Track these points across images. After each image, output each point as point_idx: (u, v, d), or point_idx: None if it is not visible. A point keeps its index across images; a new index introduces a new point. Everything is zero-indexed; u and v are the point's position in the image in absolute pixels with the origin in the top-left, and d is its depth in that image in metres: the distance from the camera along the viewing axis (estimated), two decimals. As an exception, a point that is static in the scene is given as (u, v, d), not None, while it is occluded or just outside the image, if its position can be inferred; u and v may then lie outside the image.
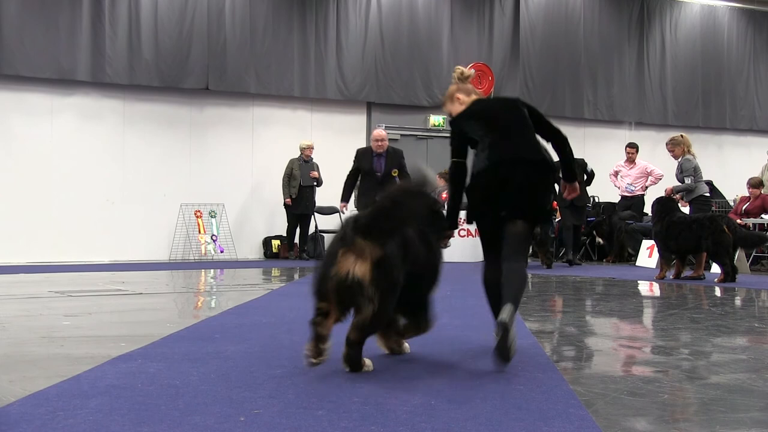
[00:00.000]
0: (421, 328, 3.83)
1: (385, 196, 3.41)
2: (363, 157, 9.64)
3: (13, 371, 3.41)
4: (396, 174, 9.52)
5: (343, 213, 10.31)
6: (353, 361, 3.36)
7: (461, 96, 4.27)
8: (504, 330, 3.41)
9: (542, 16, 15.16)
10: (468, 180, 4.11)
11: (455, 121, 4.22)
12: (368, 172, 9.47)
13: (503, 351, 3.42)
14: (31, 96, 11.83)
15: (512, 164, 3.91)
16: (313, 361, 3.32)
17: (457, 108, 4.24)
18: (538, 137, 4.11)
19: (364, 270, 3.26)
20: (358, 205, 9.88)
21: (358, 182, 9.70)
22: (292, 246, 12.70)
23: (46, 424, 2.49)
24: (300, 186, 12.44)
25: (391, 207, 3.35)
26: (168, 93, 12.59)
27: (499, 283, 3.80)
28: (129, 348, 3.91)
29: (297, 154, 12.65)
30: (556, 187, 4.34)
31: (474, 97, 4.28)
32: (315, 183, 12.59)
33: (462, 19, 14.56)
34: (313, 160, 12.68)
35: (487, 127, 4.05)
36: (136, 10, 12.16)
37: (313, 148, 12.66)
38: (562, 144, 4.17)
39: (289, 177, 12.49)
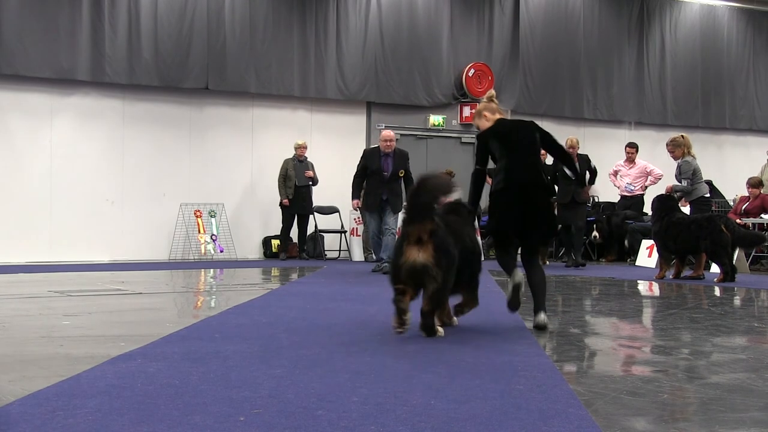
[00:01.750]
0: (474, 302, 4.88)
1: (413, 195, 4.34)
2: (371, 156, 9.89)
3: (12, 371, 3.41)
4: (402, 174, 9.77)
5: (356, 210, 10.30)
6: (428, 328, 4.31)
7: (487, 114, 5.21)
8: (543, 327, 4.75)
9: (542, 15, 15.16)
10: (491, 189, 5.10)
11: (481, 137, 5.21)
12: (376, 171, 9.71)
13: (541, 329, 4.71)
14: (30, 96, 11.82)
15: (523, 188, 4.91)
16: (399, 330, 4.27)
17: (484, 123, 5.21)
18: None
19: (427, 256, 4.17)
20: (363, 204, 9.97)
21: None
22: (286, 246, 12.64)
23: (45, 424, 2.49)
24: (296, 186, 12.39)
25: (419, 201, 4.28)
26: (168, 93, 12.59)
27: (510, 258, 4.99)
28: (128, 348, 3.91)
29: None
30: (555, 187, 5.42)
31: (498, 116, 5.23)
32: (311, 182, 12.54)
33: (462, 18, 14.56)
34: (308, 160, 12.63)
35: (504, 148, 5.02)
36: (136, 10, 12.15)
37: (306, 147, 12.59)
38: (570, 163, 5.56)
39: (284, 178, 12.41)
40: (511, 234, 4.99)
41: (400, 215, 9.94)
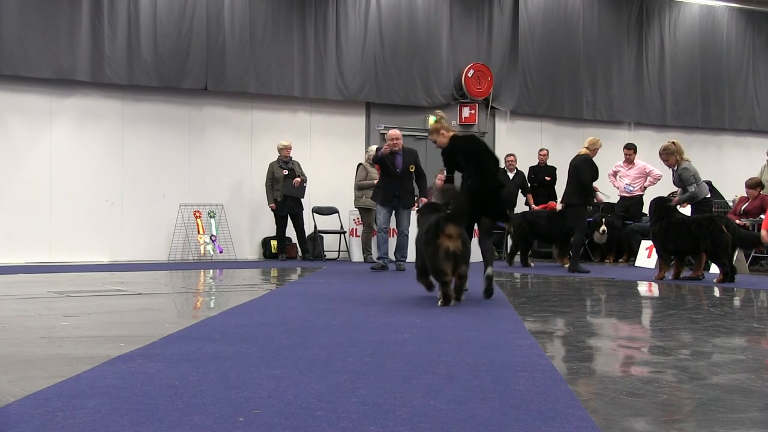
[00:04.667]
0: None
1: (456, 202, 5.91)
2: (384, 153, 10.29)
3: (12, 371, 3.41)
4: (413, 170, 10.24)
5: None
6: (459, 295, 5.91)
7: (444, 131, 7.04)
8: (489, 280, 6.39)
9: (541, 16, 15.17)
10: (467, 188, 6.78)
11: (446, 151, 7.03)
12: (389, 168, 10.16)
13: (490, 292, 6.36)
14: (30, 96, 11.83)
15: (484, 191, 6.68)
16: (452, 304, 5.77)
17: (441, 139, 7.04)
18: None
19: (458, 245, 5.68)
20: (375, 198, 10.48)
21: (378, 178, 10.48)
22: (284, 247, 12.62)
23: (45, 424, 2.49)
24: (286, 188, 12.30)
25: (461, 208, 5.83)
26: (167, 93, 12.59)
27: (489, 242, 6.86)
28: (128, 348, 3.91)
29: (295, 154, 12.60)
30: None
31: (451, 132, 7.10)
32: (304, 185, 12.44)
33: (461, 19, 14.57)
34: (293, 160, 12.55)
35: (466, 160, 6.85)
36: (135, 11, 12.16)
37: (290, 148, 12.47)
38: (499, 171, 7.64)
39: (272, 181, 12.33)
40: (484, 217, 6.74)
41: (413, 213, 10.09)
